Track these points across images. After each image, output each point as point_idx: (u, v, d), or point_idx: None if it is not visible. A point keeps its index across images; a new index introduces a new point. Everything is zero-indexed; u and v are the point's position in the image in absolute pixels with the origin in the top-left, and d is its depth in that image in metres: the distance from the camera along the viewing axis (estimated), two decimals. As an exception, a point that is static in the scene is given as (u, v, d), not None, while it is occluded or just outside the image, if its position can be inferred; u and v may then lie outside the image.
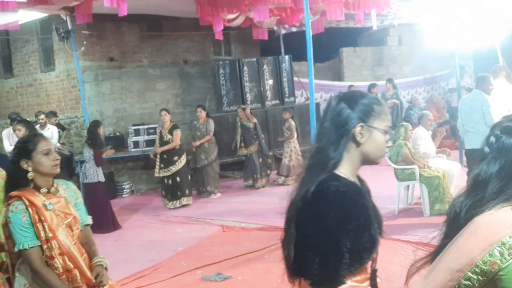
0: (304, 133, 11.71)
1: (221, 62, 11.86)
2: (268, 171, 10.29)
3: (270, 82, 12.00)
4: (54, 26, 9.97)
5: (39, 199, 2.68)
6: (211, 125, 9.56)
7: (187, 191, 8.85)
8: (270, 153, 10.79)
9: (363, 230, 1.66)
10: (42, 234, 2.62)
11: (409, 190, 7.44)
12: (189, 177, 9.24)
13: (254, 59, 12.06)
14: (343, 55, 14.38)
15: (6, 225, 2.70)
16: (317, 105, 11.81)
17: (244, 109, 10.09)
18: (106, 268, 2.88)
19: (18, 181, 2.74)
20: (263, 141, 10.20)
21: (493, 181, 1.60)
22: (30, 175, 2.72)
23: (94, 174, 7.71)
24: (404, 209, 7.24)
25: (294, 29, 12.67)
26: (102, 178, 7.81)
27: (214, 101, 12.27)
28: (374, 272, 1.85)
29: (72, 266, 2.69)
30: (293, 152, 10.05)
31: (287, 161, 10.03)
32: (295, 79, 12.59)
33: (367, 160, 1.81)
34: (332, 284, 1.63)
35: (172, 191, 8.81)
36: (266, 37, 11.70)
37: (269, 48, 13.61)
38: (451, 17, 9.36)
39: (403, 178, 7.09)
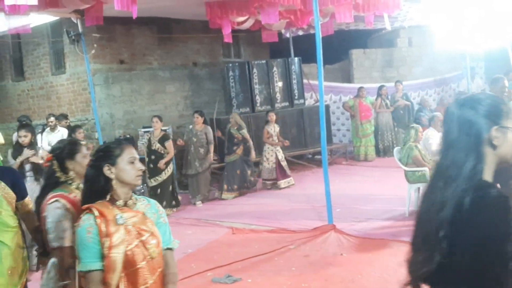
0: (313, 135, 11.71)
1: (230, 65, 11.87)
2: (244, 186, 9.68)
3: (280, 84, 12.00)
4: (65, 29, 10.06)
5: (111, 212, 2.44)
6: (211, 133, 9.36)
7: (164, 203, 8.33)
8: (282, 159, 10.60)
9: None
10: (105, 251, 2.38)
11: (420, 192, 7.39)
12: (176, 185, 9.15)
13: (264, 61, 12.06)
14: (352, 57, 14.35)
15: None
16: (327, 107, 11.80)
17: (233, 116, 9.85)
18: None
19: (95, 191, 2.51)
20: (250, 153, 9.68)
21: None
22: (114, 182, 2.50)
23: None
24: (414, 211, 7.17)
25: (300, 33, 12.68)
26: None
27: (223, 104, 12.29)
28: None
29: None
30: (264, 155, 9.91)
31: (268, 164, 9.86)
32: (305, 81, 12.57)
33: (503, 162, 1.74)
34: None
35: (158, 200, 8.69)
36: (276, 39, 11.71)
37: (278, 50, 13.61)
38: (461, 19, 9.30)
39: (413, 180, 7.05)
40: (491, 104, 1.71)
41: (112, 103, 11.00)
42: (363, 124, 12.00)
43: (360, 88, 12.24)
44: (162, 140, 8.65)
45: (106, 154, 2.54)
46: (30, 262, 3.60)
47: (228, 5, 8.54)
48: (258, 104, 11.68)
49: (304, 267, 5.46)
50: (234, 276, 5.30)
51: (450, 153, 1.71)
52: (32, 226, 3.40)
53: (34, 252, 3.47)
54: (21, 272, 3.35)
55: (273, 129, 9.96)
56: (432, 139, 7.23)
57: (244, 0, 8.52)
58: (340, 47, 13.95)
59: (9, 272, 3.23)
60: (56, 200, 2.91)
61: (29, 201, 3.48)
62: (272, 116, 9.99)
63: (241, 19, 9.41)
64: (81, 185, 2.88)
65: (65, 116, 10.25)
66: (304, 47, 12.06)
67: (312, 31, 11.28)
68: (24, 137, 6.36)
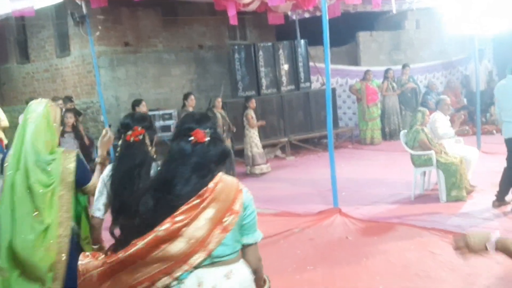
0: (319, 119, 11.65)
1: (236, 47, 11.79)
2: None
3: (286, 67, 11.92)
4: (69, 11, 9.98)
5: None
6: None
7: None
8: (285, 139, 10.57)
9: None
10: None
11: (426, 176, 7.36)
12: None
13: (270, 44, 11.97)
14: (359, 40, 14.21)
15: None
16: (333, 90, 11.73)
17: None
18: None
19: None
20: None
21: None
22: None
23: None
24: (420, 195, 7.16)
25: (307, 15, 12.54)
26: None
27: (229, 86, 12.23)
28: None
29: None
30: (252, 141, 9.66)
31: (248, 151, 9.67)
32: (311, 64, 12.48)
33: None
34: None
35: None
36: (282, 22, 11.60)
37: (284, 33, 13.49)
38: (470, 1, 9.18)
39: (419, 164, 7.00)
40: None
41: (117, 85, 10.97)
42: (370, 107, 11.92)
43: (367, 71, 12.14)
44: None
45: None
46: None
47: (233, -13, 8.45)
48: (263, 87, 11.62)
49: (309, 250, 5.45)
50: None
51: None
52: None
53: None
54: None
55: (255, 114, 9.74)
56: (438, 123, 7.17)
57: (250, -18, 8.43)
58: (347, 30, 13.80)
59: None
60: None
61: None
62: (253, 103, 9.65)
63: (247, 0, 9.30)
64: None
65: (70, 99, 10.23)
66: (311, 30, 11.93)
67: (318, 13, 11.15)
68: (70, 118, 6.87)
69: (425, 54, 14.03)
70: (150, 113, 10.37)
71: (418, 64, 13.68)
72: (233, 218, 2.13)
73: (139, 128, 2.80)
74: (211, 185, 2.10)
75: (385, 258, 5.04)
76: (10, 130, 10.09)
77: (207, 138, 2.17)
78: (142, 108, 8.10)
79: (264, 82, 11.61)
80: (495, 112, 10.84)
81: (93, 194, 2.98)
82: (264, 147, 10.14)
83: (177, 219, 2.01)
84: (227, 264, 2.13)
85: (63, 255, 2.99)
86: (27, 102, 9.64)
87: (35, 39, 12.19)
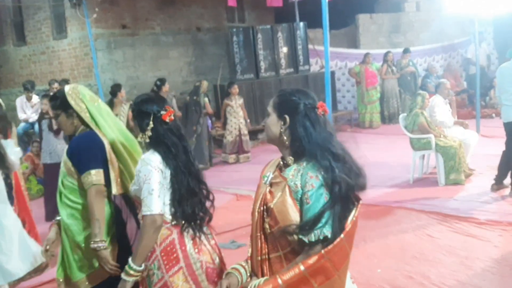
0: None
1: (234, 29, 11.70)
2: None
3: (285, 49, 11.84)
4: (65, -7, 9.88)
5: None
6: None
7: None
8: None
9: None
10: None
11: (425, 159, 7.36)
12: None
13: (268, 26, 11.88)
14: (359, 22, 14.11)
15: None
16: (332, 73, 11.66)
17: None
18: None
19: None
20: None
21: None
22: None
23: None
24: (419, 178, 7.17)
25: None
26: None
27: (227, 69, 12.16)
28: None
29: None
30: (227, 129, 9.55)
31: (232, 138, 9.51)
32: (310, 46, 12.40)
33: None
34: None
35: None
36: (280, 4, 11.50)
37: (283, 15, 13.40)
38: (471, -18, 9.10)
39: (418, 147, 6.99)
40: None
41: (115, 68, 10.90)
42: (369, 90, 11.88)
43: (366, 54, 12.07)
44: None
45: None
46: None
47: (232, -32, 8.36)
48: (262, 70, 11.56)
49: (308, 233, 5.45)
50: (238, 242, 5.32)
51: None
52: None
53: None
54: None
55: (235, 101, 9.47)
56: (437, 108, 7.13)
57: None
58: (346, 12, 13.71)
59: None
60: None
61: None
62: (235, 89, 9.47)
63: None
64: None
65: (67, 82, 10.16)
66: (310, 12, 11.83)
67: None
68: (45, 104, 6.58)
69: (425, 36, 13.95)
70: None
71: (418, 47, 13.60)
72: None
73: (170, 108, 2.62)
74: None
75: (383, 241, 5.05)
76: (7, 114, 10.04)
77: None
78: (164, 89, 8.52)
79: (262, 65, 11.54)
80: (494, 96, 10.80)
81: None
82: (262, 130, 10.10)
83: None
84: None
85: None
86: (24, 85, 9.62)
87: (31, 21, 12.07)
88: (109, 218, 2.85)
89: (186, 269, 2.46)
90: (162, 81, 8.66)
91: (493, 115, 11.17)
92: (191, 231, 2.52)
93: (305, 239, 1.89)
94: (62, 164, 2.91)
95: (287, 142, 2.07)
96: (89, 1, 9.68)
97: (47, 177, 6.90)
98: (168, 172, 2.50)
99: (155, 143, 2.54)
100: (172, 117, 2.55)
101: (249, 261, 2.17)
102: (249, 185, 7.77)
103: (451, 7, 10.46)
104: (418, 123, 6.91)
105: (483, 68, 12.69)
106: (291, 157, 2.08)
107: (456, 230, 5.15)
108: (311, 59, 12.52)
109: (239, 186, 7.76)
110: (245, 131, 9.59)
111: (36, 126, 7.96)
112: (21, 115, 9.48)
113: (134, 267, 2.41)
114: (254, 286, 1.96)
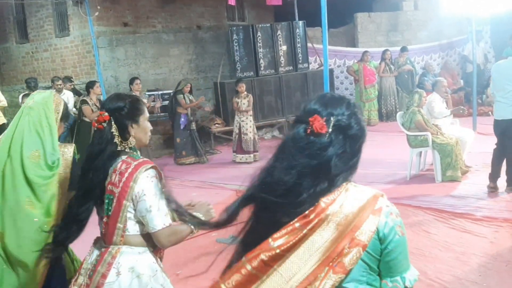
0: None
1: (234, 28, 11.81)
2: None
3: (284, 48, 11.95)
4: (68, -9, 9.96)
5: None
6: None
7: None
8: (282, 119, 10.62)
9: None
10: None
11: (422, 156, 7.48)
12: None
13: (268, 25, 11.99)
14: (357, 21, 14.21)
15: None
16: (331, 71, 11.79)
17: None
18: None
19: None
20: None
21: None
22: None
23: None
24: (416, 175, 7.29)
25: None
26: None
27: (227, 67, 12.27)
28: None
29: None
30: (235, 126, 9.42)
31: (252, 136, 9.30)
32: (309, 45, 12.51)
33: None
34: None
35: None
36: (280, 2, 11.59)
37: (283, 13, 13.49)
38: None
39: (415, 144, 7.11)
40: None
41: (116, 66, 11.00)
42: (367, 88, 12.01)
43: (364, 52, 12.19)
44: None
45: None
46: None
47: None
48: (262, 68, 11.67)
49: (307, 228, 5.56)
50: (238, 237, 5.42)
51: None
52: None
53: None
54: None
55: (240, 99, 9.30)
56: (434, 103, 7.26)
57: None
58: (345, 11, 13.81)
59: None
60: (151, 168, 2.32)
61: None
62: (239, 87, 9.34)
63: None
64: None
65: (69, 79, 10.28)
66: (309, 11, 11.92)
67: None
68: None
69: (423, 35, 14.05)
70: (149, 93, 10.47)
71: (416, 46, 13.71)
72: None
73: None
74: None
75: (380, 236, 5.15)
76: (10, 110, 10.17)
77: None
78: (136, 87, 8.92)
79: (262, 63, 11.65)
80: (490, 94, 10.92)
81: None
82: (262, 127, 10.24)
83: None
84: None
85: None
86: (26, 82, 9.72)
87: (34, 18, 12.16)
88: None
89: None
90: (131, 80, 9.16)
91: (490, 113, 11.27)
92: None
93: None
94: None
95: None
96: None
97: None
98: None
99: None
100: (100, 125, 2.37)
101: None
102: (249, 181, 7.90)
103: (448, 7, 10.58)
104: (415, 121, 7.02)
105: (480, 67, 12.82)
106: None
107: (452, 226, 5.22)
108: (310, 57, 12.63)
109: (239, 182, 7.80)
110: (246, 130, 9.26)
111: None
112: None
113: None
114: None
